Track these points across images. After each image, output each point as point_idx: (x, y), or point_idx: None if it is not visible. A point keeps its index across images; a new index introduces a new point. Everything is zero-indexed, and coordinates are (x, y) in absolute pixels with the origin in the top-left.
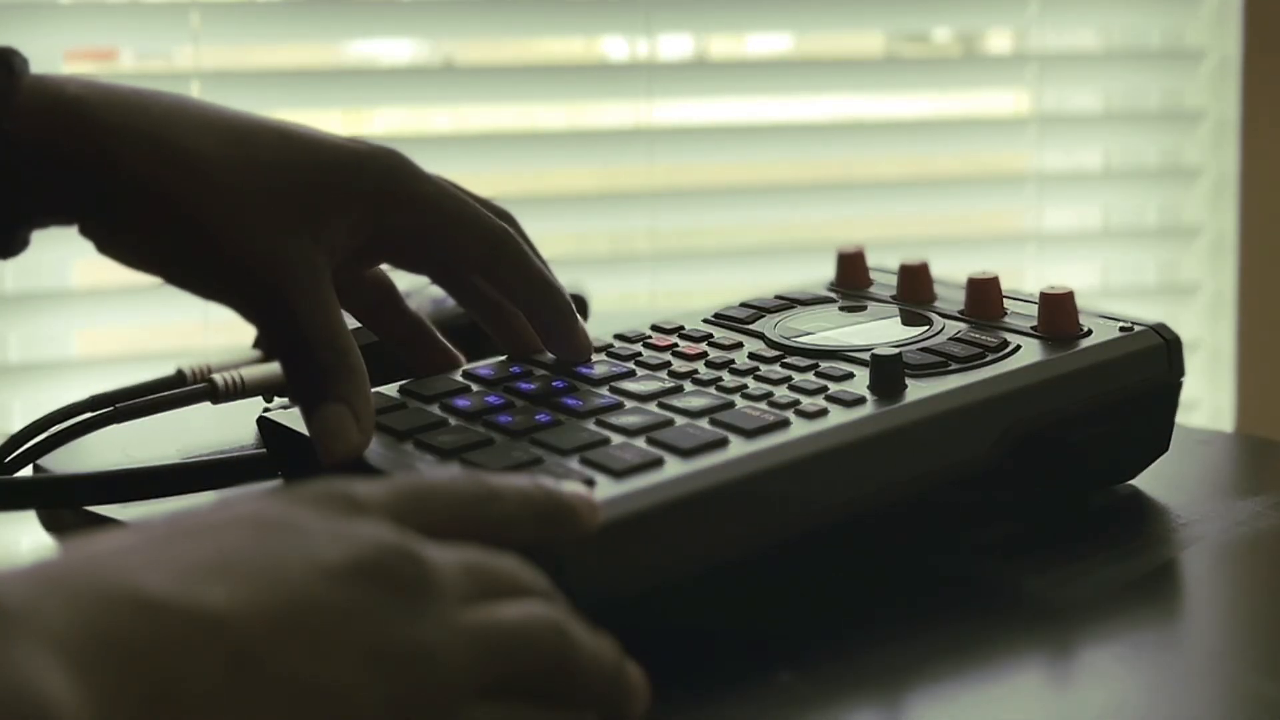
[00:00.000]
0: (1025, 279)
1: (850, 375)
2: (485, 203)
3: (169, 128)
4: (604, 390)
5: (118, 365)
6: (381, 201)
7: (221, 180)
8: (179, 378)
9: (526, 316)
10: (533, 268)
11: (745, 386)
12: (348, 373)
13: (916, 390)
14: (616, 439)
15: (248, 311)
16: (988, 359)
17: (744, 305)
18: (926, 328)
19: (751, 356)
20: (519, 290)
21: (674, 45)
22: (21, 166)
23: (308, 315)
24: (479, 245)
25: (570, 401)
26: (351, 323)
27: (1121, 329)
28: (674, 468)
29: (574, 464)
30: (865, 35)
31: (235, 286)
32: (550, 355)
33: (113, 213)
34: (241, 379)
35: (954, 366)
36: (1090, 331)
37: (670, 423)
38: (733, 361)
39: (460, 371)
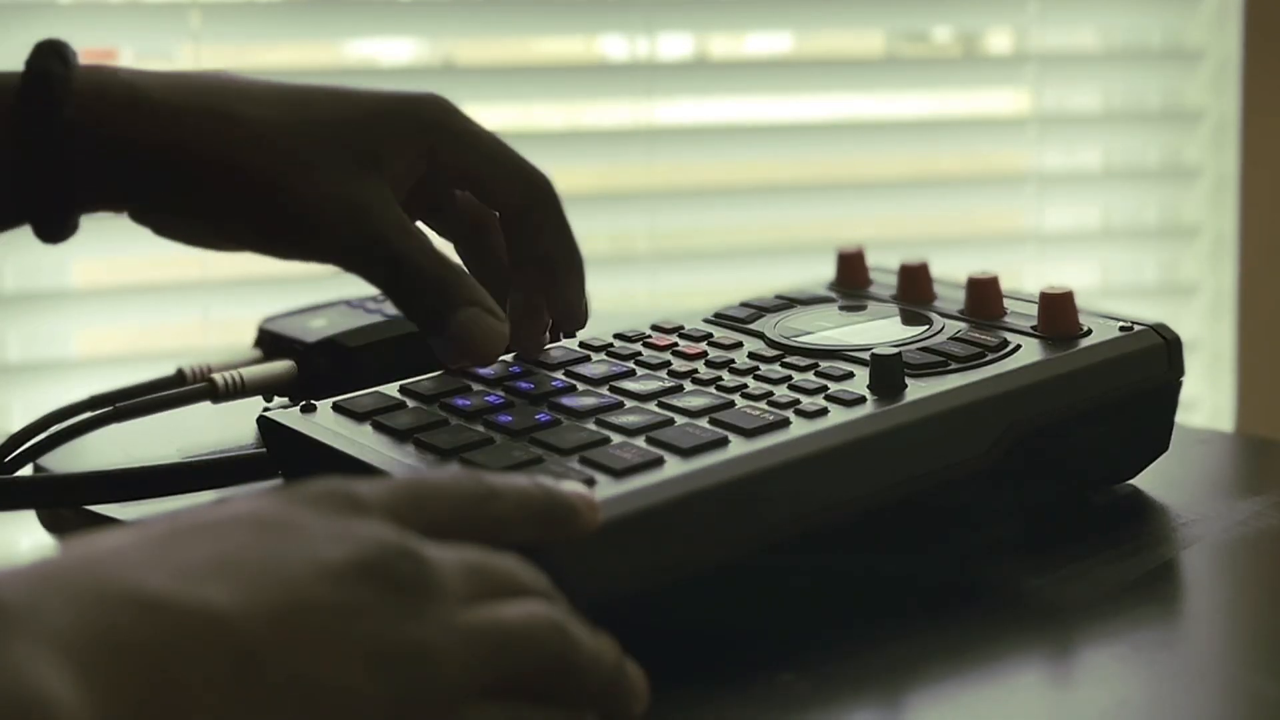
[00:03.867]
0: (1025, 279)
1: (850, 375)
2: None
3: (226, 102)
4: (604, 390)
5: (118, 365)
6: (435, 138)
7: (286, 145)
8: (179, 378)
9: (545, 270)
10: (564, 222)
11: (745, 386)
12: (459, 278)
13: (916, 390)
14: (616, 439)
15: (343, 259)
16: (988, 359)
17: (744, 305)
18: (926, 327)
19: (751, 356)
20: (547, 236)
21: (674, 45)
22: (78, 154)
23: (402, 241)
24: (520, 185)
25: (570, 401)
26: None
27: (1121, 329)
28: (674, 467)
29: (574, 464)
30: (865, 35)
31: (323, 239)
32: (549, 356)
33: (180, 193)
34: (241, 379)
35: (954, 366)
36: (1090, 331)
37: (670, 422)
38: (733, 361)
39: (461, 371)
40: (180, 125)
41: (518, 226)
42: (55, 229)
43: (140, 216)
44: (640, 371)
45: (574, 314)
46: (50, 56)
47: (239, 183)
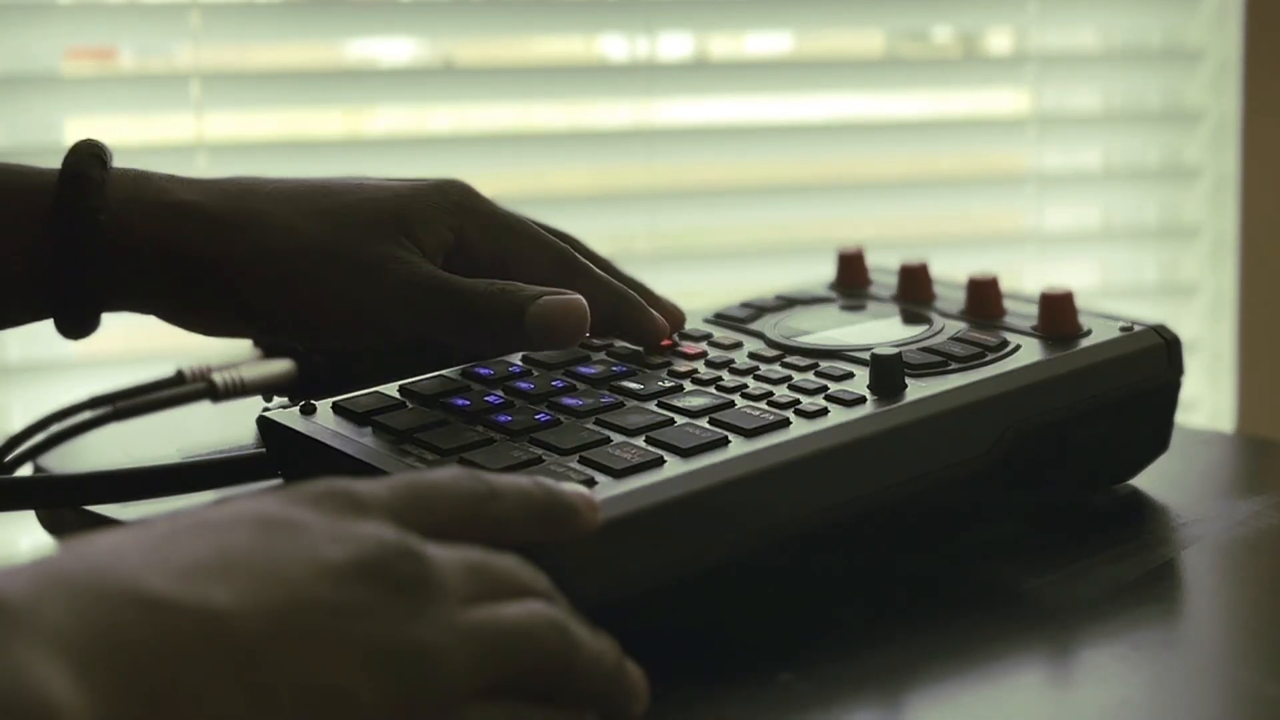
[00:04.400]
0: (1025, 279)
1: (850, 375)
2: (547, 228)
3: (255, 205)
4: (604, 390)
5: (118, 365)
6: (460, 217)
7: (316, 237)
8: (179, 378)
9: (603, 320)
10: (600, 279)
11: (745, 386)
12: (513, 284)
13: (916, 390)
14: (616, 439)
15: (400, 320)
16: (988, 359)
17: (744, 305)
18: (926, 327)
19: (751, 356)
20: (592, 299)
21: (674, 45)
22: (109, 259)
23: (451, 279)
24: (552, 265)
25: (570, 401)
26: None
27: (1121, 329)
28: (674, 467)
29: (574, 464)
30: (865, 35)
31: (376, 314)
32: (548, 356)
33: (218, 296)
34: (241, 379)
35: (954, 366)
36: (1090, 331)
37: (670, 422)
38: (733, 361)
39: (460, 371)
40: (216, 231)
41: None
42: (78, 327)
43: (171, 316)
44: (640, 371)
45: (650, 334)
46: (88, 160)
47: (256, 280)
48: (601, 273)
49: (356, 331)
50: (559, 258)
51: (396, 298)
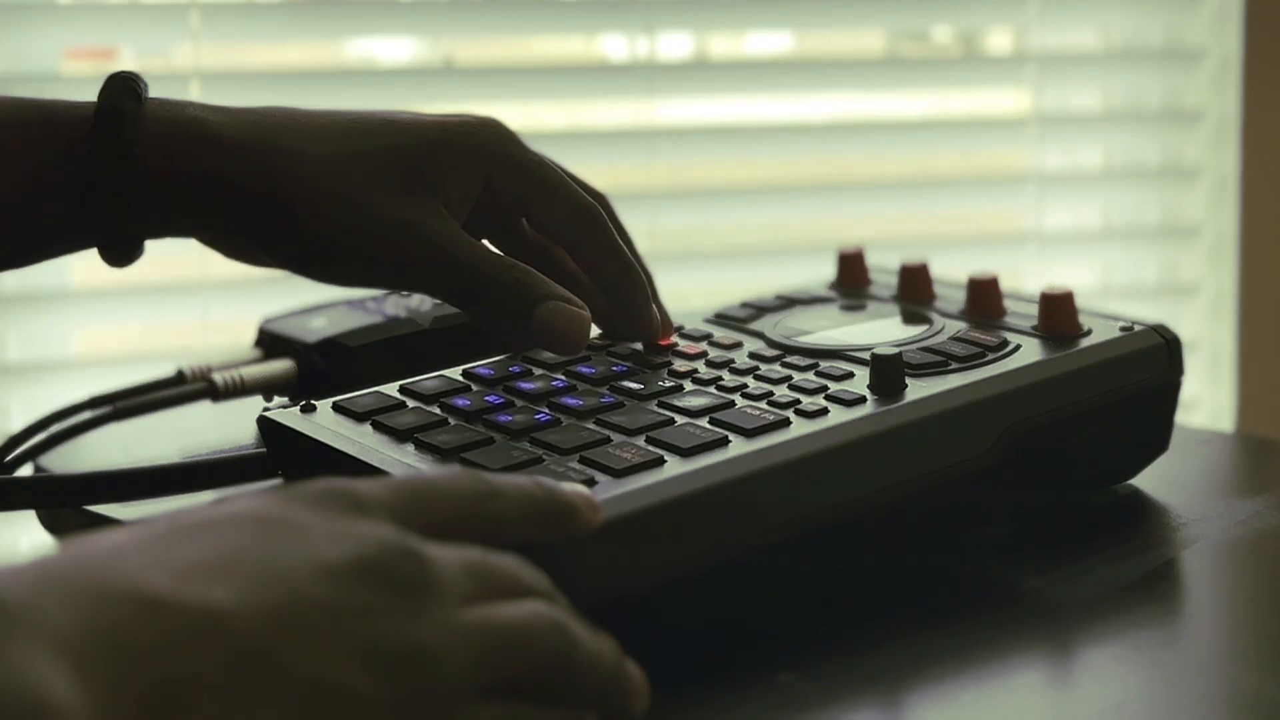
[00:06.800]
0: (1025, 279)
1: (850, 375)
2: (581, 183)
3: (276, 137)
4: (604, 390)
5: (118, 365)
6: (489, 161)
7: (328, 178)
8: (179, 378)
9: (603, 292)
10: (615, 245)
11: (745, 386)
12: (530, 275)
13: (916, 390)
14: (617, 438)
15: (403, 278)
16: (988, 358)
17: (744, 305)
18: (926, 327)
19: (751, 356)
20: (600, 265)
21: (674, 45)
22: (146, 189)
23: (462, 250)
24: (570, 216)
25: (570, 401)
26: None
27: (1121, 328)
28: (674, 467)
29: (574, 464)
30: (865, 35)
31: (378, 264)
32: (548, 356)
33: (234, 223)
34: (241, 379)
35: (954, 366)
36: (1090, 331)
37: (670, 422)
38: (733, 361)
39: (460, 371)
40: (230, 158)
41: (574, 255)
42: (122, 255)
43: (209, 242)
44: (640, 371)
45: (643, 329)
46: (123, 93)
47: (279, 216)
48: (618, 240)
49: (377, 281)
50: (579, 211)
51: (415, 263)
